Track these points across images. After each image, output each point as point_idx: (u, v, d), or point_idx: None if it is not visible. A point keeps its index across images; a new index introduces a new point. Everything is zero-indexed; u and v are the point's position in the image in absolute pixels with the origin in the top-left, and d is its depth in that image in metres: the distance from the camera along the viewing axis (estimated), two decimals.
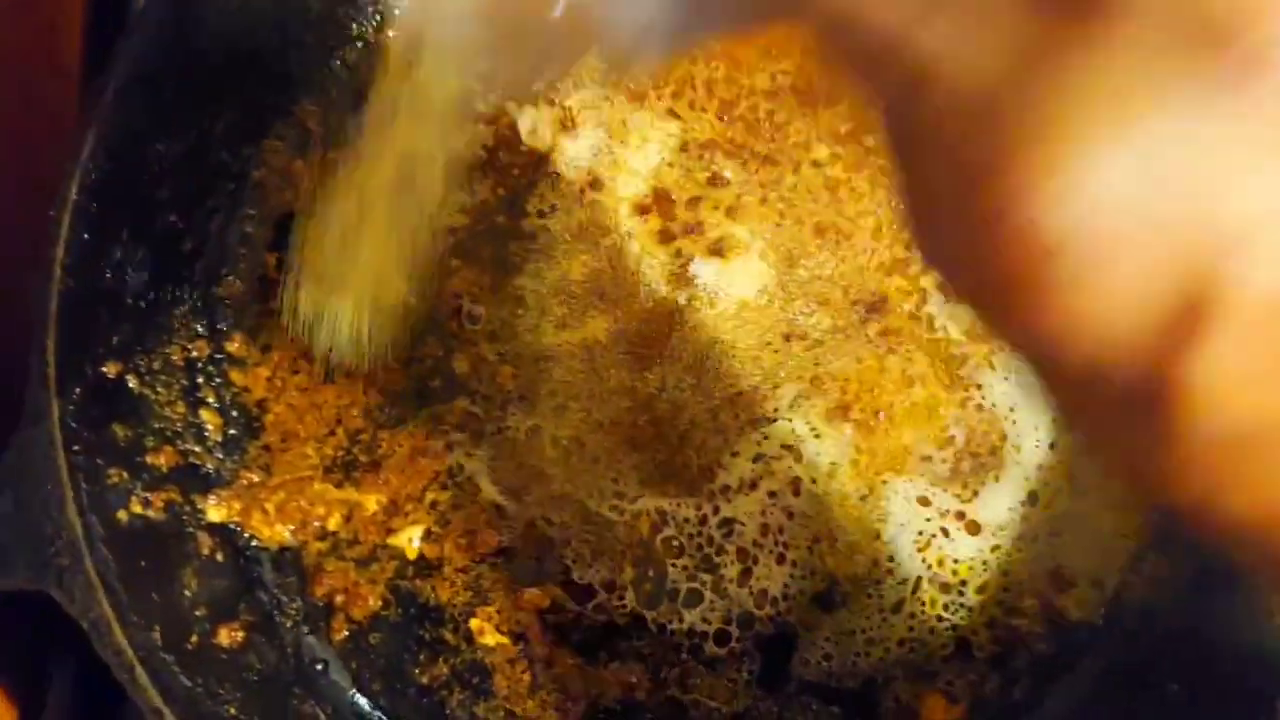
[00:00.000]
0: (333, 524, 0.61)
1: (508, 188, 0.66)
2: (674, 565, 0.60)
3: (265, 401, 0.63)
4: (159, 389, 0.60)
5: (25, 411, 0.52)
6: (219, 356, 0.63)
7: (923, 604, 0.59)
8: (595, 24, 0.31)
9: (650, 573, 0.60)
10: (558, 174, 0.66)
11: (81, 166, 0.53)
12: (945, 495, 0.61)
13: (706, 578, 0.60)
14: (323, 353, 0.60)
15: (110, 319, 0.57)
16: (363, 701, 0.60)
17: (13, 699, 0.55)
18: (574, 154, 0.66)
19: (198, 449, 0.61)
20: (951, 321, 0.63)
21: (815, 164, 0.65)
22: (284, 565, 0.61)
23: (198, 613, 0.56)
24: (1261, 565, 0.25)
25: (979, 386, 0.62)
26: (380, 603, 0.61)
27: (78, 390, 0.53)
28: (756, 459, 0.61)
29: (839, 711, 0.59)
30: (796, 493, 0.61)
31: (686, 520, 0.61)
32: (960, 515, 0.60)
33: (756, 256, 0.64)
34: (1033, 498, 0.61)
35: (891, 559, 0.60)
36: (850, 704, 0.59)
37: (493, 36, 0.33)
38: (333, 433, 0.63)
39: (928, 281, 0.63)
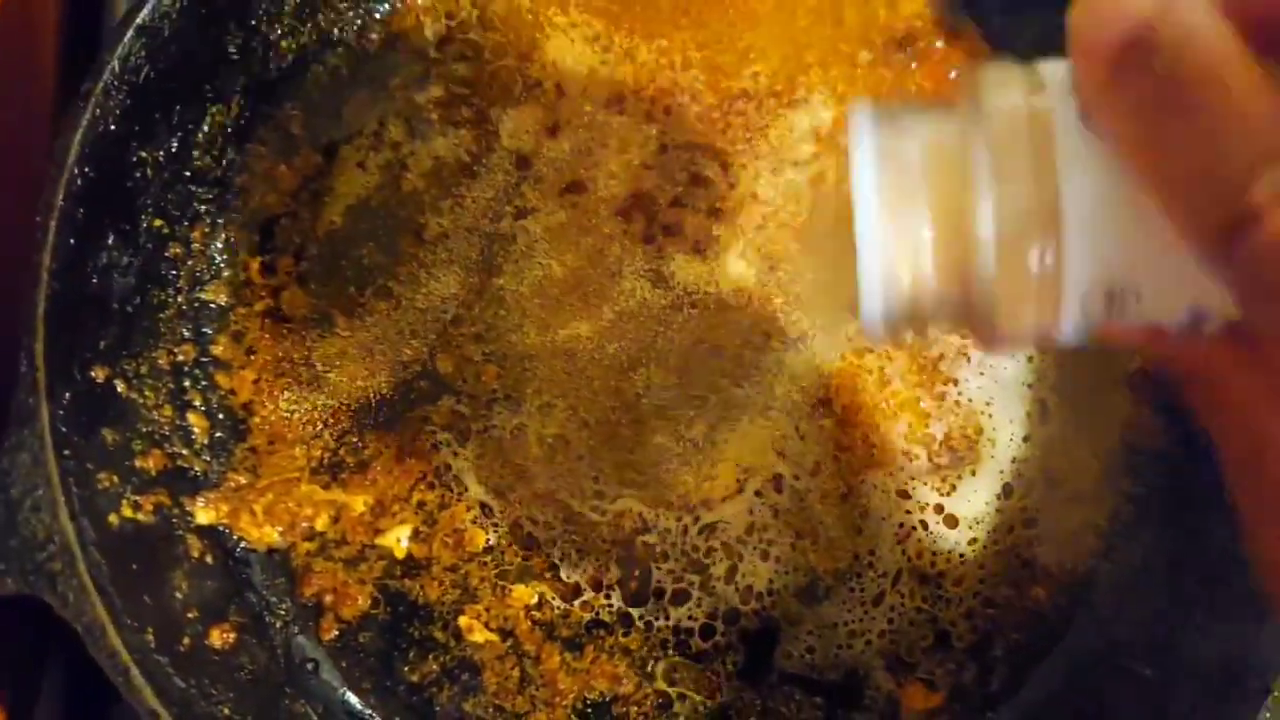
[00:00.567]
0: (320, 525, 0.62)
1: (490, 189, 0.67)
2: (658, 565, 0.61)
3: (251, 404, 0.64)
4: (146, 392, 0.60)
5: (12, 416, 0.52)
6: (204, 360, 0.63)
7: (903, 596, 0.61)
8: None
9: (636, 571, 0.61)
10: (539, 176, 0.67)
11: (66, 173, 0.53)
12: (925, 489, 0.62)
13: (694, 578, 0.61)
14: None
15: (97, 323, 0.57)
16: (353, 700, 0.61)
17: (2, 704, 0.55)
18: (556, 156, 0.67)
19: (185, 452, 0.61)
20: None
21: (796, 164, 0.66)
22: (273, 566, 0.62)
23: (189, 615, 0.57)
24: None
25: (955, 382, 0.63)
26: (369, 602, 0.62)
27: (67, 394, 0.53)
28: (741, 457, 0.62)
29: (821, 702, 0.61)
30: (779, 490, 0.62)
31: (668, 528, 0.62)
32: (939, 509, 0.62)
33: (737, 257, 0.65)
34: (1007, 490, 0.62)
35: (872, 553, 0.61)
36: (832, 694, 0.60)
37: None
38: (319, 434, 0.63)
39: None
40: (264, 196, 0.66)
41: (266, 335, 0.64)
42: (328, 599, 0.61)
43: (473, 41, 0.69)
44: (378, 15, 0.68)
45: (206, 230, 0.64)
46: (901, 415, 0.63)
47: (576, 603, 0.61)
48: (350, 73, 0.68)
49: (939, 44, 0.68)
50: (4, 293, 0.55)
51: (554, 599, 0.61)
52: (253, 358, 0.64)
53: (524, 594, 0.61)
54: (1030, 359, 0.64)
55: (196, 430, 0.62)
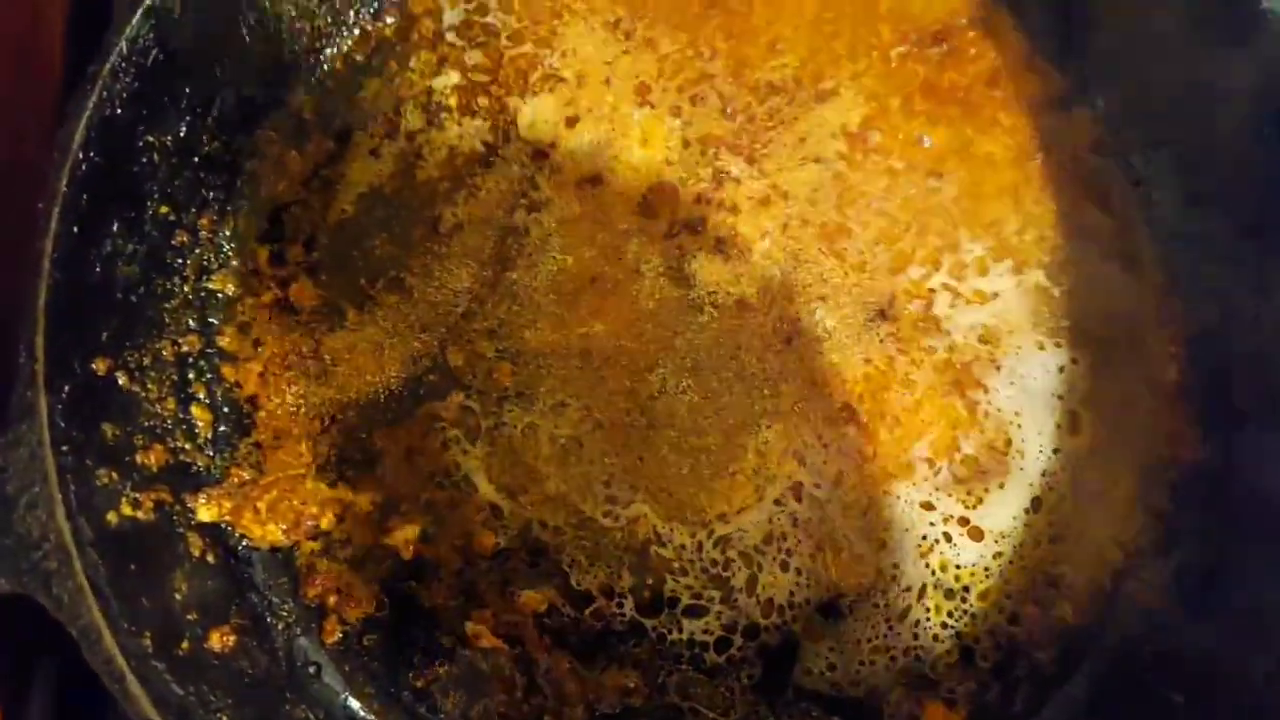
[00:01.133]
0: (325, 523, 0.60)
1: (505, 181, 0.65)
2: (676, 578, 0.59)
3: (257, 398, 0.62)
4: (149, 385, 0.58)
5: (11, 410, 0.50)
6: (210, 351, 0.62)
7: (928, 611, 0.59)
8: None
9: (649, 580, 0.59)
10: (556, 167, 0.65)
11: (71, 158, 0.51)
12: (949, 500, 0.60)
13: (714, 592, 0.59)
14: None
15: (100, 314, 0.55)
16: (356, 705, 0.59)
17: None
18: (574, 148, 0.65)
19: (188, 446, 0.60)
20: (959, 324, 0.62)
21: (820, 161, 0.64)
22: (276, 566, 0.60)
23: (189, 617, 0.55)
24: None
25: (985, 390, 0.61)
26: (374, 604, 0.60)
27: (67, 387, 0.51)
28: (759, 464, 0.60)
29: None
30: (799, 498, 0.60)
31: (683, 543, 0.60)
32: (964, 521, 0.60)
33: (760, 256, 0.63)
34: (1036, 504, 0.60)
35: (896, 566, 0.59)
36: (851, 712, 0.58)
37: None
38: (326, 429, 0.62)
39: (935, 283, 0.62)
40: (274, 183, 0.64)
41: (274, 326, 0.63)
42: (331, 600, 0.60)
43: (491, 26, 0.67)
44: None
45: (214, 218, 0.62)
46: (928, 424, 0.61)
47: (587, 611, 0.59)
48: (365, 57, 0.66)
49: (974, 39, 0.66)
50: (4, 282, 0.53)
51: (564, 606, 0.59)
52: (259, 350, 0.62)
53: (533, 600, 0.59)
54: (1061, 369, 0.61)
55: (200, 424, 0.61)
